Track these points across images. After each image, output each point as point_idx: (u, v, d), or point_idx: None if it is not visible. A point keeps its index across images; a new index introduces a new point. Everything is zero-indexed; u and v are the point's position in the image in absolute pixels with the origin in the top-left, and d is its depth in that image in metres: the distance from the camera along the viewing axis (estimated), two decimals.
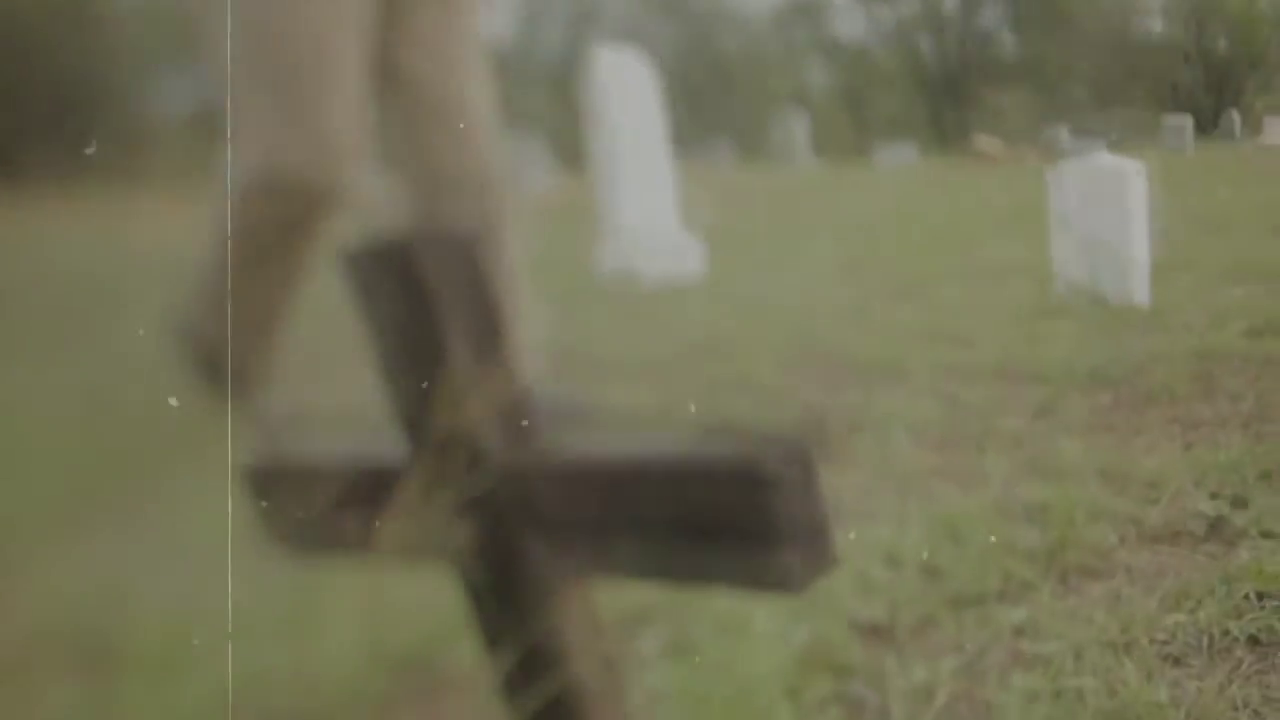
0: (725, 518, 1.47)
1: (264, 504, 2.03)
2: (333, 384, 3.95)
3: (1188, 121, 11.87)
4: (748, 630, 2.43)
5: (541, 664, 1.76)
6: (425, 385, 1.68)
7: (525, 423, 1.74)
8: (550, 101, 11.41)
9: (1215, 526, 2.86)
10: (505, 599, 1.74)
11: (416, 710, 2.41)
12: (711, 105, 12.57)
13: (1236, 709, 2.07)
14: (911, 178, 10.88)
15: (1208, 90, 13.55)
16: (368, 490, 1.87)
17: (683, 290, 6.78)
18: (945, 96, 12.85)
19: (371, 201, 3.57)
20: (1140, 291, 5.49)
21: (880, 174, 11.51)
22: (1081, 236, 5.72)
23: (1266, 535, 2.74)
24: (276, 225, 3.52)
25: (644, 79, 7.75)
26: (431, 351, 1.66)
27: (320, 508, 1.90)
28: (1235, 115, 12.62)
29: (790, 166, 11.72)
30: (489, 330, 1.67)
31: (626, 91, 7.56)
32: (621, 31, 12.07)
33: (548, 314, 4.38)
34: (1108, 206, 5.69)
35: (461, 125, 3.63)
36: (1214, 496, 3.00)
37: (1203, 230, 7.22)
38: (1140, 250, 5.57)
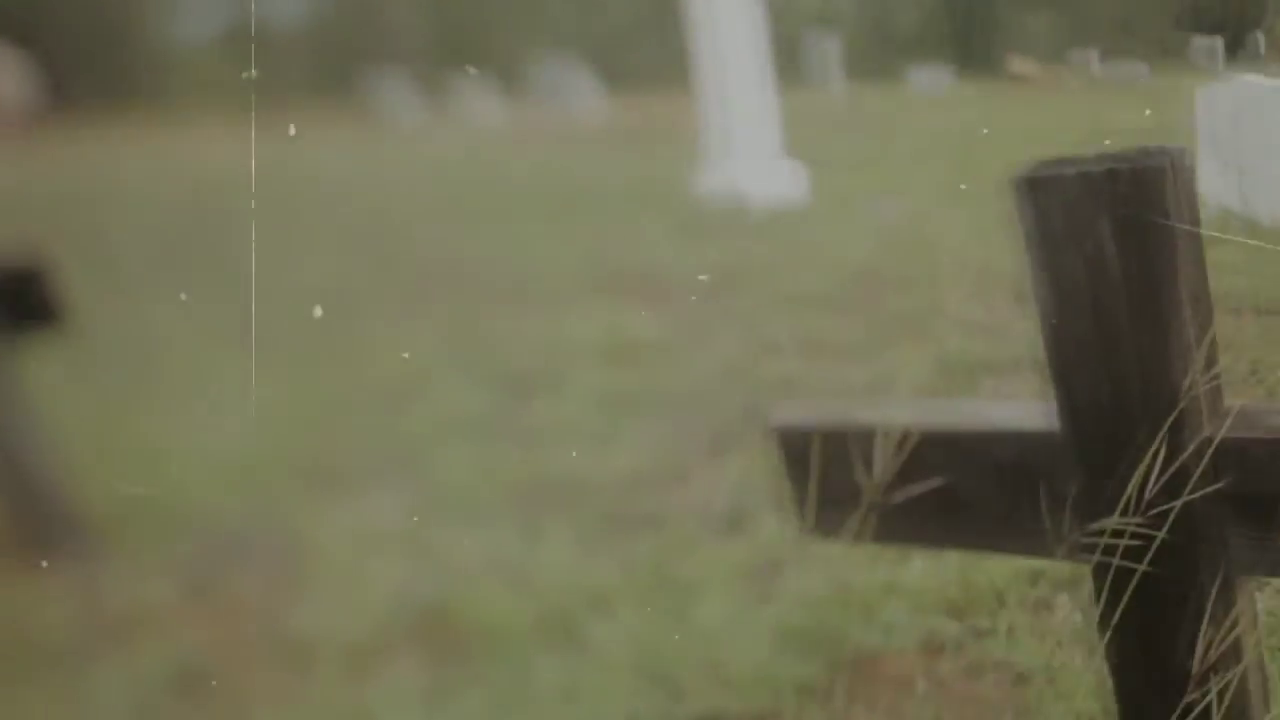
0: None
1: (797, 471, 1.75)
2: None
3: (1218, 43, 11.68)
4: None
5: (1200, 667, 1.52)
6: (1135, 344, 1.42)
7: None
8: (584, 22, 11.13)
9: None
10: (1182, 594, 1.49)
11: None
12: None
13: None
14: (955, 99, 10.65)
15: (1228, 12, 13.37)
16: (995, 465, 1.61)
17: (799, 214, 6.54)
18: (972, 18, 12.60)
19: None
20: None
21: (919, 95, 11.28)
22: (1232, 159, 5.49)
23: None
24: None
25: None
26: (1154, 302, 1.40)
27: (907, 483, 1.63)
28: (1260, 37, 12.43)
29: (825, 88, 11.48)
30: (1202, 281, 1.42)
31: (731, 11, 7.30)
32: None
33: None
34: (1261, 128, 5.46)
35: None
36: None
37: None
38: None
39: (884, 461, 1.54)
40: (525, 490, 3.11)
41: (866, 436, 1.58)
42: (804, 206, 6.63)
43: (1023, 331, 3.78)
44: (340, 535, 2.86)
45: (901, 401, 1.75)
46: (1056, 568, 2.36)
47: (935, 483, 1.53)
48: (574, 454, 3.31)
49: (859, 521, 1.59)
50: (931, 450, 1.56)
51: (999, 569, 2.28)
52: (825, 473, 1.63)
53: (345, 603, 2.56)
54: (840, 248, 5.69)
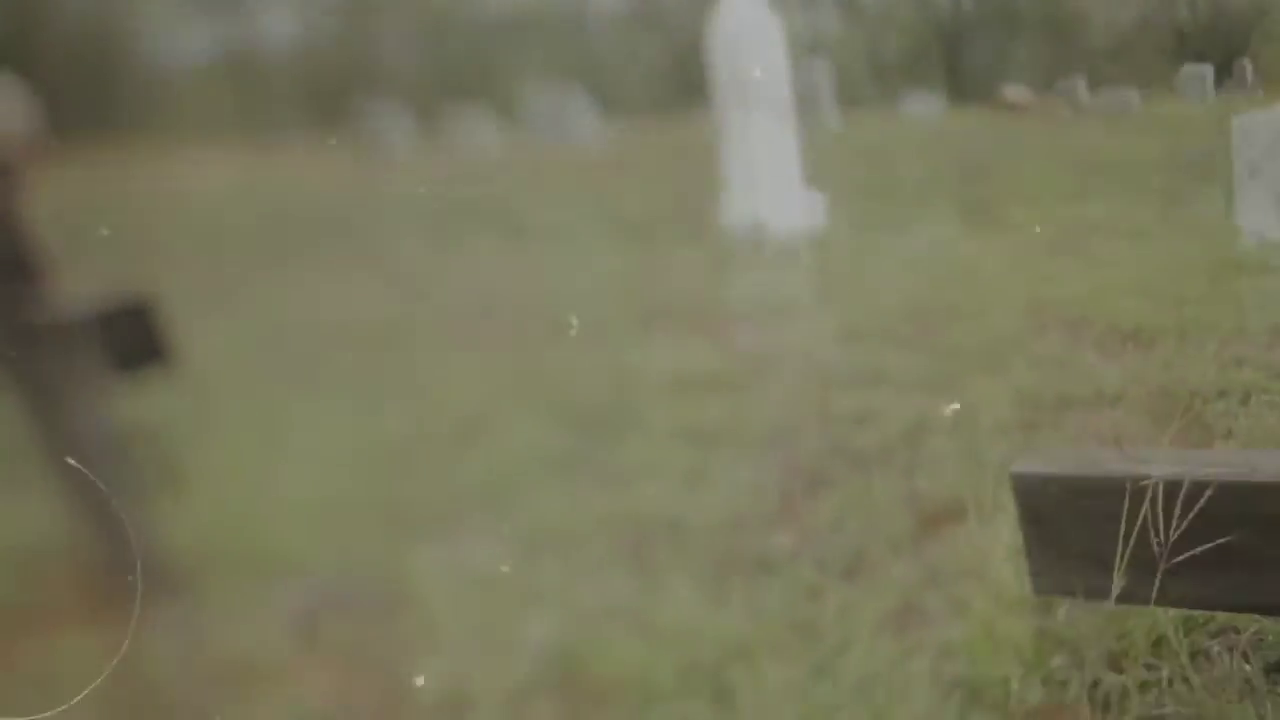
0: None
1: (1041, 525, 1.66)
2: None
3: (1208, 71, 11.67)
4: None
5: None
6: None
7: None
8: (582, 53, 11.06)
9: None
10: None
11: None
12: None
13: None
14: (952, 127, 10.61)
15: (1215, 40, 13.38)
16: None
17: (824, 243, 6.46)
18: (960, 45, 12.60)
19: None
20: None
21: (913, 124, 11.24)
22: (1273, 187, 5.45)
23: None
24: None
25: (771, 26, 7.43)
26: None
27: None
28: (1247, 64, 12.44)
29: (818, 116, 11.42)
30: None
31: (754, 39, 7.24)
32: None
33: None
34: None
35: None
36: None
37: None
38: None
39: (1166, 517, 1.45)
40: (625, 532, 3.02)
41: (1126, 488, 1.49)
42: (826, 236, 6.55)
43: (1089, 364, 3.71)
44: (441, 580, 2.76)
45: (1145, 451, 1.65)
46: (1207, 614, 2.28)
47: (1223, 539, 1.44)
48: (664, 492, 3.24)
49: (1119, 581, 1.50)
50: (1210, 504, 1.47)
51: (1153, 616, 2.19)
52: (1079, 527, 1.54)
53: (467, 650, 2.46)
54: (877, 277, 5.62)
